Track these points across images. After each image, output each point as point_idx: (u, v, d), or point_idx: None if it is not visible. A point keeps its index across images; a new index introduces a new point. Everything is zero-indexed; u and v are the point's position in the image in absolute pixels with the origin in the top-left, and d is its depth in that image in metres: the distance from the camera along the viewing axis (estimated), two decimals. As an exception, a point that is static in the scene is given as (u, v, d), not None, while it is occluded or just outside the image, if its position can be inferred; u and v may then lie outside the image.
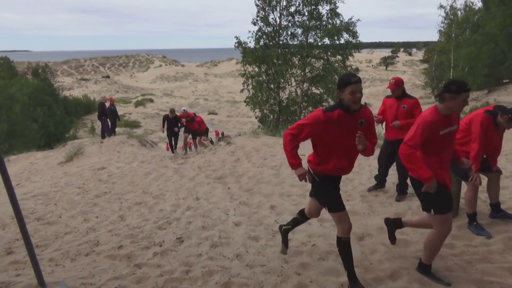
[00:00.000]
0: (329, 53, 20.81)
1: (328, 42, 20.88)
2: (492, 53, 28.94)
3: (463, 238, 3.88)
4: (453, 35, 31.34)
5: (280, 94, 21.04)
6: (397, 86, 4.92)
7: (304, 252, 3.73)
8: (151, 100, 50.07)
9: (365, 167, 6.63)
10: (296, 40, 21.26)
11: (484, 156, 4.08)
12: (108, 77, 73.04)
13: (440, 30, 34.65)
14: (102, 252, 3.99)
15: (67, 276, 3.36)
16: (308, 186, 5.62)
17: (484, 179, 4.21)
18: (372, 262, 3.47)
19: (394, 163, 5.21)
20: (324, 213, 4.66)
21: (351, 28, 20.39)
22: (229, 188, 5.93)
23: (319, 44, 20.99)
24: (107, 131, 13.10)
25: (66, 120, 32.83)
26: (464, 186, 4.18)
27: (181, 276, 3.37)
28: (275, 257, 3.63)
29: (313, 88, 20.95)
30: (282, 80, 20.46)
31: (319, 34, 20.82)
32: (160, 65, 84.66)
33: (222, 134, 20.36)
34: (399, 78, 5.05)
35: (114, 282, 3.30)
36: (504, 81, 34.06)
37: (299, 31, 21.19)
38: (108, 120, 13.19)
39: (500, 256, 3.51)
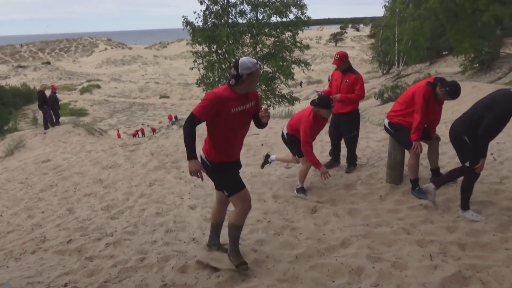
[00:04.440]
0: (278, 30, 20.79)
1: (278, 19, 20.84)
2: (433, 27, 30.39)
3: (407, 203, 4.11)
4: (397, 10, 32.44)
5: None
6: (341, 61, 5.00)
7: (260, 229, 3.78)
8: (98, 86, 47.74)
9: (317, 141, 6.79)
10: (245, 18, 21.00)
11: (425, 126, 4.31)
12: (48, 63, 68.40)
13: (385, 6, 35.77)
14: (49, 249, 3.80)
15: (11, 277, 3.18)
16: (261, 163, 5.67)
17: (425, 147, 4.47)
18: (324, 232, 3.59)
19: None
20: (278, 189, 4.75)
21: (298, 2, 20.44)
22: (183, 172, 5.84)
23: (269, 21, 20.89)
24: (50, 121, 12.34)
25: (3, 112, 30.49)
26: (407, 155, 4.40)
27: (136, 264, 3.30)
28: (231, 237, 3.65)
29: (265, 66, 20.94)
30: (234, 60, 20.24)
31: (268, 11, 20.69)
32: (106, 49, 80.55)
33: (175, 117, 19.96)
34: (343, 52, 5.12)
35: (64, 278, 3.17)
36: (443, 53, 36.03)
37: (248, 8, 20.93)
38: (51, 109, 12.41)
39: (440, 216, 3.77)
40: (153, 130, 25.22)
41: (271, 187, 4.87)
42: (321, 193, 4.55)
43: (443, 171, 4.78)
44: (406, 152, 4.38)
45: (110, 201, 5.03)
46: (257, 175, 5.33)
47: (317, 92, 5.24)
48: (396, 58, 32.64)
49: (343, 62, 5.00)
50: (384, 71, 38.47)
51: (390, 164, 4.59)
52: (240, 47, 20.25)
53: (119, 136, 21.89)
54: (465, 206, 3.69)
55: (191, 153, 2.79)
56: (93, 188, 5.69)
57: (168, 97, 43.51)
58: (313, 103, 4.36)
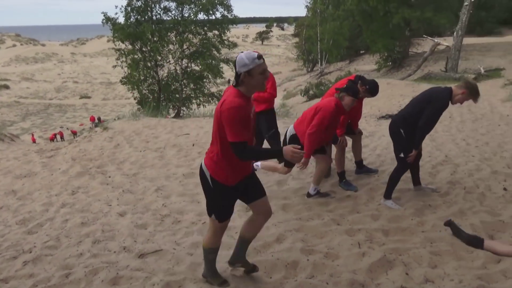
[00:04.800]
0: (205, 28, 20.58)
1: (204, 17, 20.61)
2: (351, 27, 32.43)
3: (336, 195, 4.33)
4: (318, 11, 34.02)
5: (158, 73, 20.17)
6: None
7: (195, 231, 3.70)
8: (6, 87, 43.17)
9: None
10: (170, 15, 20.44)
11: (349, 121, 4.57)
12: None
13: (307, 6, 37.29)
14: (-47, 273, 3.33)
15: None
16: (193, 164, 5.56)
17: (349, 141, 4.74)
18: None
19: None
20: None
21: (225, 2, 20.43)
22: (109, 177, 5.51)
23: (195, 19, 20.56)
24: (-51, 127, 10.85)
25: None
26: (334, 149, 4.62)
27: (60, 281, 3.03)
28: (166, 242, 3.53)
29: (193, 65, 20.61)
30: (160, 58, 19.60)
31: (193, 9, 20.36)
32: (14, 45, 73.00)
33: (98, 119, 18.80)
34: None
35: (-27, 305, 2.80)
36: (361, 52, 38.63)
37: (173, 5, 20.39)
38: None
39: (365, 206, 4.04)
40: (74, 133, 23.48)
41: (204, 187, 4.80)
42: (255, 190, 4.59)
43: (365, 162, 5.12)
44: (333, 146, 4.61)
45: (27, 214, 4.56)
46: (190, 175, 5.22)
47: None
48: (319, 57, 34.25)
49: None
50: (309, 69, 40.14)
51: (319, 159, 4.79)
52: (165, 45, 19.65)
53: (34, 141, 19.99)
54: (388, 195, 3.99)
55: (276, 151, 2.53)
56: (5, 200, 5.11)
57: (89, 97, 40.78)
58: (342, 89, 3.85)
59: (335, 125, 4.01)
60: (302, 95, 21.28)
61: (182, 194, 4.62)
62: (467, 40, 25.75)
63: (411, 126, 3.76)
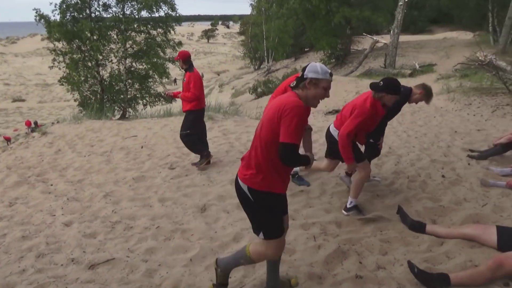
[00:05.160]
0: (149, 26, 19.92)
1: (147, 15, 19.94)
2: (295, 25, 33.13)
3: (289, 190, 4.38)
4: (263, 9, 34.35)
5: (100, 73, 19.21)
6: (178, 58, 5.02)
7: (149, 236, 3.58)
8: None
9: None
10: (110, 12, 19.52)
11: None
12: None
13: (251, 4, 37.51)
14: None
15: None
16: (143, 167, 5.37)
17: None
18: (216, 230, 3.60)
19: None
20: (164, 192, 4.56)
21: (169, 0, 19.90)
22: (51, 185, 5.15)
23: (137, 17, 19.82)
24: None
25: None
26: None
27: (1, 302, 2.79)
28: (118, 250, 3.37)
29: (137, 64, 19.88)
30: (101, 57, 18.66)
31: (136, 6, 19.61)
32: None
33: (35, 123, 17.54)
34: (182, 51, 5.13)
35: None
36: (306, 49, 39.62)
37: (113, 1, 19.49)
38: None
39: (318, 199, 4.14)
40: (7, 140, 21.67)
41: (156, 190, 4.66)
42: (208, 190, 4.54)
43: (316, 157, 5.25)
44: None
45: (-44, 230, 4.13)
46: (140, 179, 5.04)
47: (166, 93, 5.28)
48: (265, 54, 34.63)
49: (179, 60, 5.01)
50: (256, 67, 40.45)
51: (271, 156, 4.83)
52: (106, 44, 18.74)
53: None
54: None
55: (305, 158, 2.33)
56: None
57: (23, 100, 37.84)
58: (375, 87, 3.42)
59: (371, 127, 3.65)
60: (251, 93, 21.40)
61: (133, 199, 4.44)
62: (403, 38, 27.39)
63: None
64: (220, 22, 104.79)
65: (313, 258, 3.03)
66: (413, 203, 3.89)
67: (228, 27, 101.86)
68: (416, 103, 4.02)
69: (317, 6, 24.07)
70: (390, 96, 3.39)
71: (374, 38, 22.48)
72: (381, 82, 3.42)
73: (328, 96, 2.33)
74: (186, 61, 4.99)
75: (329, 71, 2.27)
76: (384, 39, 22.08)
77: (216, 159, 5.63)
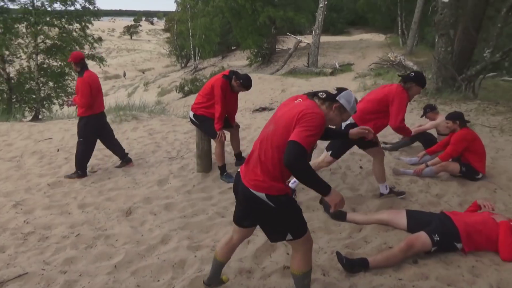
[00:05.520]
0: (63, 20, 18.44)
1: (61, 8, 18.43)
2: (222, 24, 33.12)
3: (218, 188, 4.40)
4: (188, 6, 33.77)
5: (7, 70, 17.33)
6: (70, 60, 4.65)
7: (67, 245, 3.32)
8: None
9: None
10: (18, 3, 17.68)
11: (226, 115, 4.66)
12: None
13: (176, 1, 36.63)
14: None
15: None
16: (60, 172, 4.97)
17: (228, 134, 4.86)
18: (143, 233, 3.46)
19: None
20: (84, 197, 4.27)
21: (85, -8, 18.62)
22: None
23: (49, 9, 18.22)
24: None
25: None
26: (214, 144, 4.67)
27: None
28: (31, 263, 3.08)
29: (51, 61, 18.30)
30: (7, 52, 16.84)
31: (47, -3, 18.02)
32: None
33: None
34: (74, 52, 4.75)
35: None
36: (233, 48, 39.86)
37: (20, -8, 17.67)
38: None
39: (247, 195, 4.19)
40: None
41: (75, 196, 4.34)
42: (133, 193, 4.35)
43: (244, 154, 5.32)
44: (213, 141, 4.65)
45: None
46: (56, 185, 4.65)
47: (67, 103, 4.93)
48: (192, 52, 34.12)
49: (72, 63, 4.69)
50: (183, 65, 39.67)
51: (199, 154, 4.79)
52: (13, 38, 16.96)
53: None
54: None
55: (326, 186, 2.00)
56: None
57: None
58: (406, 77, 3.65)
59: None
60: (178, 91, 20.94)
61: (49, 206, 4.09)
62: (324, 39, 28.87)
63: None
64: (143, 18, 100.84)
65: (242, 253, 3.06)
66: (335, 194, 4.12)
67: (152, 23, 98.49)
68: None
69: (242, 5, 24.35)
70: (417, 88, 3.62)
71: (298, 38, 23.40)
72: (412, 73, 3.67)
73: (339, 126, 2.43)
74: (78, 63, 4.60)
75: (356, 108, 2.23)
76: (307, 39, 23.10)
77: (142, 159, 5.42)
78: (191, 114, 4.59)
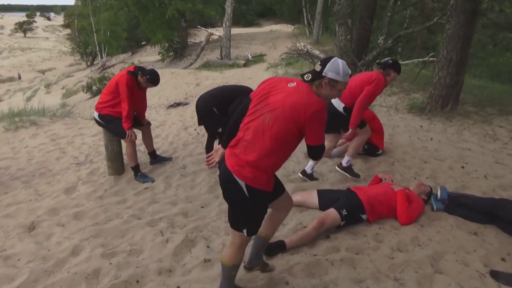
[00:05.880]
0: None
1: None
2: (128, 18, 31.44)
3: (133, 190, 4.21)
4: (88, -1, 31.42)
5: None
6: None
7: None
8: None
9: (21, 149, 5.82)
10: None
11: (135, 113, 4.46)
12: None
13: (74, -7, 33.80)
14: None
15: None
16: None
17: (139, 133, 4.66)
18: (49, 248, 3.18)
19: None
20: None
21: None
22: None
23: None
24: None
25: None
26: (124, 144, 4.44)
27: None
28: None
29: None
30: None
31: None
32: None
33: None
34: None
35: None
36: (143, 43, 38.17)
37: None
38: None
39: (163, 194, 4.09)
40: None
41: (-35, 217, 3.81)
42: (36, 206, 3.96)
43: (159, 152, 5.16)
44: (123, 141, 4.42)
45: None
46: None
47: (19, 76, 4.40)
48: (98, 49, 31.94)
49: None
50: (89, 63, 36.95)
51: (110, 157, 4.52)
52: None
53: None
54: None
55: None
56: None
57: None
58: (384, 63, 3.87)
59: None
60: (85, 91, 19.48)
61: None
62: (236, 31, 29.11)
63: (223, 104, 4.17)
64: (38, 14, 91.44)
65: (161, 253, 2.99)
66: (252, 182, 4.21)
67: (49, 19, 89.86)
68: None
69: (148, -2, 23.38)
70: (395, 74, 3.89)
71: (209, 30, 23.24)
72: (390, 60, 3.95)
73: (340, 97, 2.34)
74: None
75: (350, 72, 2.10)
76: (218, 32, 23.03)
77: (44, 168, 4.95)
78: (95, 114, 4.30)
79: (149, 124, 4.78)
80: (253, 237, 2.35)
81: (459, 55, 6.00)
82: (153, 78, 4.22)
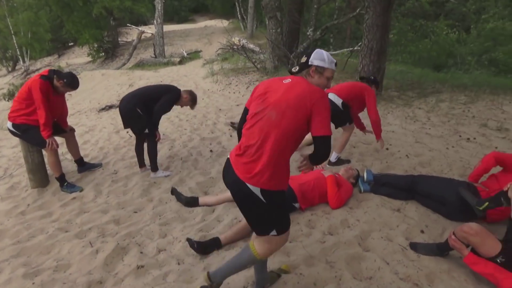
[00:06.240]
0: None
1: None
2: (51, 18, 29.27)
3: (59, 201, 3.95)
4: (3, -1, 28.75)
5: None
6: None
7: None
8: None
9: None
10: None
11: (55, 120, 4.17)
12: None
13: (-15, -7, 30.70)
14: None
15: None
16: None
17: (62, 140, 4.37)
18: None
19: None
20: None
21: None
22: None
23: None
24: None
25: None
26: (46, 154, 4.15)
27: None
28: None
29: None
30: None
31: None
32: None
33: None
34: None
35: None
36: (70, 44, 35.84)
37: None
38: None
39: (93, 202, 3.88)
40: None
41: None
42: None
43: (88, 158, 4.90)
44: (44, 151, 4.12)
45: None
46: None
47: None
48: (19, 53, 29.41)
49: None
50: (9, 68, 33.92)
51: (31, 168, 4.20)
52: None
53: None
54: (155, 168, 4.28)
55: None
56: None
57: None
58: (368, 79, 4.43)
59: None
60: (7, 99, 17.87)
61: None
62: (169, 27, 28.40)
63: (147, 105, 4.08)
64: None
65: (91, 265, 2.84)
66: (187, 181, 4.15)
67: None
68: (182, 106, 4.38)
69: (71, -4, 21.94)
70: (375, 89, 4.40)
71: (140, 28, 22.44)
72: (372, 77, 4.48)
73: (329, 87, 2.29)
74: None
75: (335, 60, 2.18)
76: (151, 30, 22.30)
77: (-45, 188, 4.47)
78: (9, 124, 3.95)
79: (72, 130, 4.50)
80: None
81: (379, 43, 6.35)
82: (71, 82, 3.96)
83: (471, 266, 2.42)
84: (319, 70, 2.12)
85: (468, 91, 7.09)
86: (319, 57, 2.12)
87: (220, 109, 7.32)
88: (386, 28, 6.37)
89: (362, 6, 9.39)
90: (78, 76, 4.15)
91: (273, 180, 1.95)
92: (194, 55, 19.31)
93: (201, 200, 3.62)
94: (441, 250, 2.70)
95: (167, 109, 4.20)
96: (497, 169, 3.37)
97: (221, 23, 32.59)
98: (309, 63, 2.12)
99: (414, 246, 2.82)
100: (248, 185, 1.94)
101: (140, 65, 18.06)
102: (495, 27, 15.81)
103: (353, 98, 4.15)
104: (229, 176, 2.06)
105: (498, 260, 2.35)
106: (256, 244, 2.14)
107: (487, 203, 2.77)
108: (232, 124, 5.98)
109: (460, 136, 5.14)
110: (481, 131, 5.23)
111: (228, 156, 2.13)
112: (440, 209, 3.25)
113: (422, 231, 3.04)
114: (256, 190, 1.94)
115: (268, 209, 2.00)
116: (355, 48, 10.78)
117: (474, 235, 2.40)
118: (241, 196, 2.02)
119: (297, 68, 2.15)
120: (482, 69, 14.45)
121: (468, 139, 5.03)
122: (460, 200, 3.06)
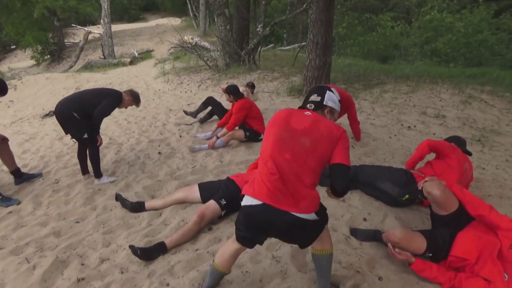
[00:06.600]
0: None
1: None
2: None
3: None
4: None
5: None
6: None
7: None
8: None
9: None
10: None
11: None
12: None
13: None
14: None
15: None
16: None
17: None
18: None
19: None
20: None
21: None
22: None
23: None
24: None
25: None
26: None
27: None
28: None
29: None
30: None
31: None
32: None
33: None
34: None
35: None
36: (11, 47, 33.70)
37: None
38: None
39: (32, 215, 3.66)
40: None
41: None
42: None
43: (27, 169, 4.62)
44: None
45: None
46: None
47: None
48: (-47, 59, 27.25)
49: None
50: None
51: (-40, 183, 3.89)
52: None
53: None
54: (98, 174, 4.12)
55: None
56: None
57: None
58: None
59: None
60: None
61: None
62: (119, 27, 27.46)
63: (83, 109, 3.92)
64: None
65: (27, 282, 2.67)
66: (133, 186, 4.03)
67: None
68: (126, 107, 4.28)
69: (9, -4, 20.56)
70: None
71: (86, 29, 21.53)
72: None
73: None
74: None
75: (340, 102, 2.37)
76: (99, 30, 21.43)
77: None
78: None
79: (5, 140, 4.22)
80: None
81: (324, 37, 6.48)
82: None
83: (418, 273, 2.53)
84: (332, 111, 2.29)
85: (410, 81, 7.43)
86: (332, 99, 2.28)
87: (170, 110, 7.17)
88: (330, 22, 6.51)
89: (308, 2, 9.55)
90: (19, 82, 3.89)
91: (316, 199, 2.06)
92: (145, 54, 18.83)
93: (148, 204, 3.52)
94: (377, 236, 2.83)
95: (107, 113, 4.06)
96: (432, 156, 3.55)
97: (174, 21, 31.98)
98: (324, 103, 2.26)
99: (354, 232, 2.93)
100: (300, 215, 1.99)
101: (88, 67, 17.33)
102: (432, 18, 16.68)
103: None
104: (270, 216, 2.01)
105: (426, 256, 2.52)
106: (319, 245, 2.24)
107: (407, 196, 2.97)
108: (185, 112, 6.29)
109: (402, 124, 5.37)
110: (421, 119, 5.49)
111: (251, 196, 2.07)
112: (381, 197, 3.38)
113: (364, 219, 3.14)
114: (312, 216, 2.02)
115: (321, 222, 2.12)
116: (304, 43, 10.96)
117: (399, 241, 2.60)
118: (296, 229, 2.04)
119: (313, 106, 2.26)
120: (425, 60, 15.20)
121: (409, 127, 5.27)
122: (391, 189, 3.24)
